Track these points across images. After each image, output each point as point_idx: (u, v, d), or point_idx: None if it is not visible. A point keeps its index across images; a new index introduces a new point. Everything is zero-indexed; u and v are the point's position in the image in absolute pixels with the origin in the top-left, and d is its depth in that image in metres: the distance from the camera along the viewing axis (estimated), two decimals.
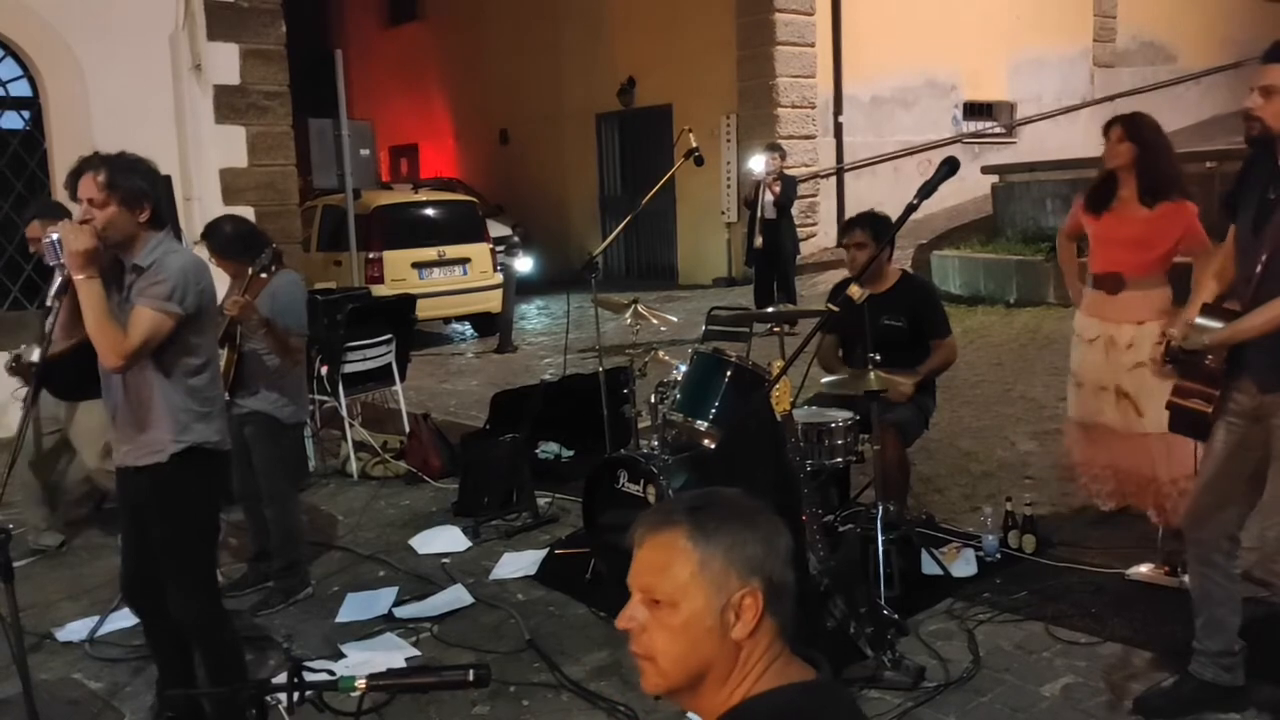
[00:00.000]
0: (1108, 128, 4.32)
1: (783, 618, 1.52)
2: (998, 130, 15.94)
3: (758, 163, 10.87)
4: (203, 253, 4.35)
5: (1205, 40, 17.58)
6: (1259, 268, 2.95)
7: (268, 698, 1.86)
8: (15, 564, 2.77)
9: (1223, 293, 3.23)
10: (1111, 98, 16.43)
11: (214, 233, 4.67)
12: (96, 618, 4.50)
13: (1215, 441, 3.21)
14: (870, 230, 4.71)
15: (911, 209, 3.20)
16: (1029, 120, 16.09)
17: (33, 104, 8.13)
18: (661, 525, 1.52)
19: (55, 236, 3.00)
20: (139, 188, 3.11)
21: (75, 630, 4.44)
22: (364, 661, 4.00)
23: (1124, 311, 4.34)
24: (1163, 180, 4.21)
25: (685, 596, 1.48)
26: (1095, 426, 4.52)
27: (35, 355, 3.07)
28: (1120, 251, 4.33)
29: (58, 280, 3.04)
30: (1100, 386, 4.45)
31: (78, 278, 3.00)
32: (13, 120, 8.12)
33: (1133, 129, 4.25)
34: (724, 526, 1.50)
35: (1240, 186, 3.14)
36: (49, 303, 3.06)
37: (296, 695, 1.84)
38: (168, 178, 4.78)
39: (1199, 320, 3.11)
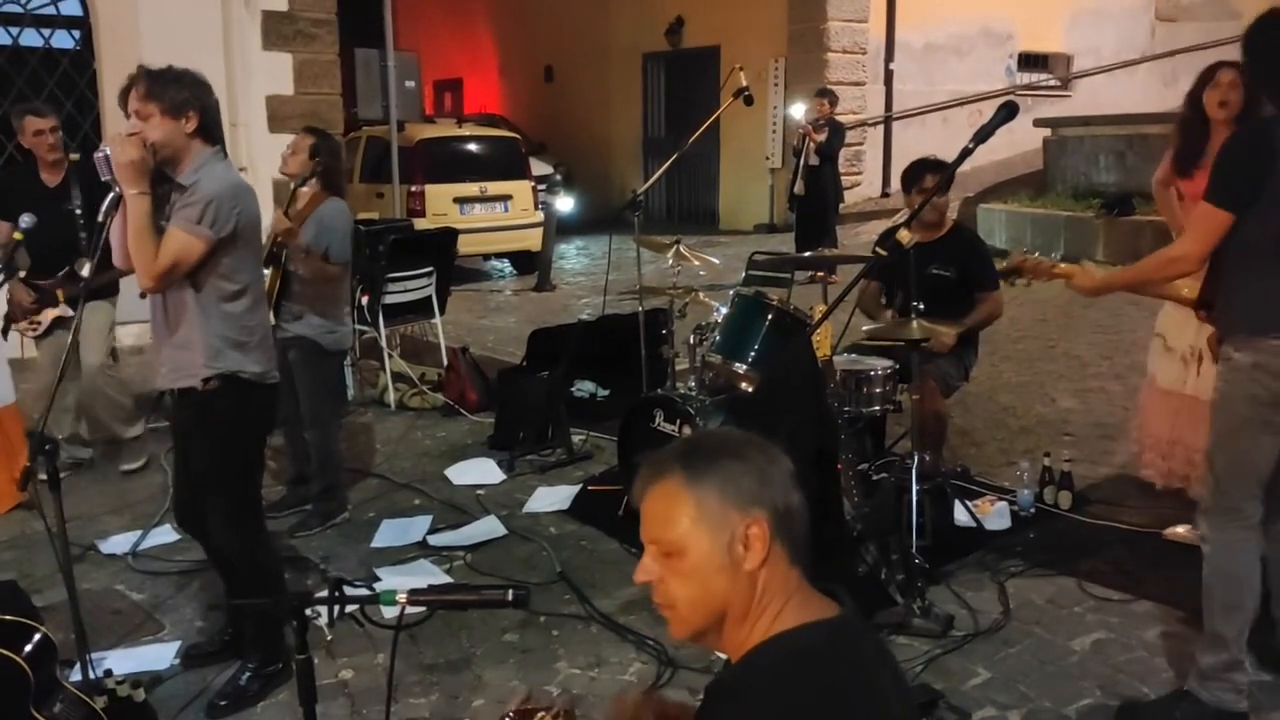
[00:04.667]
0: (1213, 72, 3.95)
1: (792, 542, 1.53)
2: (1052, 83, 15.56)
3: (798, 110, 10.76)
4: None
5: None
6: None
7: (308, 610, 1.89)
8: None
9: None
10: (1172, 53, 15.96)
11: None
12: (139, 532, 4.61)
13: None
14: (939, 175, 4.59)
15: (967, 152, 3.15)
16: (1085, 74, 15.69)
17: (83, 23, 8.15)
18: (657, 477, 1.54)
19: (106, 151, 3.01)
20: (181, 96, 3.08)
21: (118, 543, 4.53)
22: (398, 585, 4.05)
23: None
24: None
25: (690, 541, 1.50)
26: (1172, 394, 4.29)
27: (87, 270, 3.08)
28: None
29: (110, 196, 3.04)
30: (1184, 351, 4.22)
31: (129, 193, 2.99)
32: (63, 39, 8.15)
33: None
34: (714, 465, 1.51)
35: None
36: (100, 218, 3.06)
37: (337, 609, 1.86)
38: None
39: None
